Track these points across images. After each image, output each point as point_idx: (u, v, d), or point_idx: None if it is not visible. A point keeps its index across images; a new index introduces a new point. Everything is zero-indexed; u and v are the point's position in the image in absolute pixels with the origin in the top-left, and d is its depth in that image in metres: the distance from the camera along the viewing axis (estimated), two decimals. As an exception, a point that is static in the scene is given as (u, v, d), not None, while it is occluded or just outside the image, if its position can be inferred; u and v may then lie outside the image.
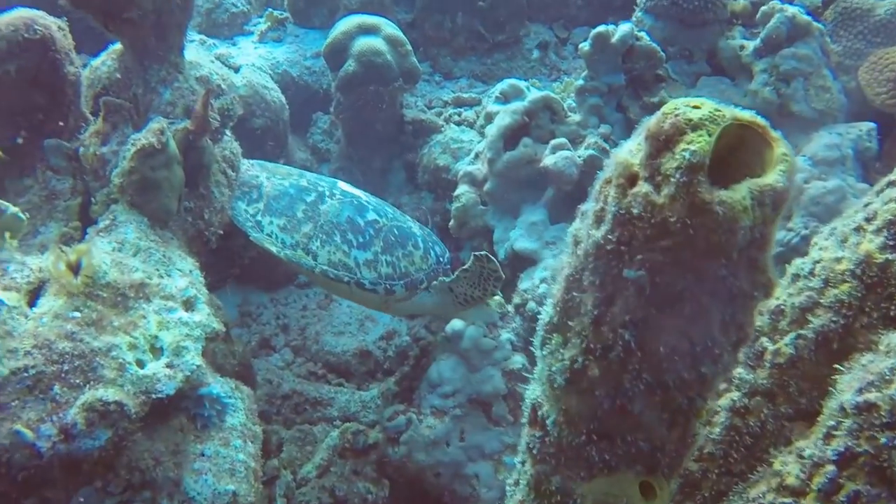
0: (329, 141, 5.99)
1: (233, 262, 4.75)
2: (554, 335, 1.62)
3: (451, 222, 4.68)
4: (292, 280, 5.86)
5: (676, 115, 1.29)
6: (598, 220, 1.43)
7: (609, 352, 1.46)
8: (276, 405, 4.69)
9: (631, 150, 1.40)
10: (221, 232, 3.32)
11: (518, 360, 3.98)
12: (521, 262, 4.30)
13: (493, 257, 3.76)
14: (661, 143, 1.30)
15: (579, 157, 4.24)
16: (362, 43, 5.11)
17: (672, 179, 1.26)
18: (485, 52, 6.56)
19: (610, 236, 1.37)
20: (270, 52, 5.84)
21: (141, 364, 2.26)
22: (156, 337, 2.34)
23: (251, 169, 4.10)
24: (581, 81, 4.57)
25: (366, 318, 5.39)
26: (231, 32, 6.24)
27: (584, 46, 4.47)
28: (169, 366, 2.31)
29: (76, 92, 3.75)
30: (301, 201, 4.05)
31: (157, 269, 2.56)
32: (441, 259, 4.34)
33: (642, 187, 1.32)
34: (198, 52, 4.98)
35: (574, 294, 1.55)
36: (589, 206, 1.52)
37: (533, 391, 1.82)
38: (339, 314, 5.41)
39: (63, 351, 2.07)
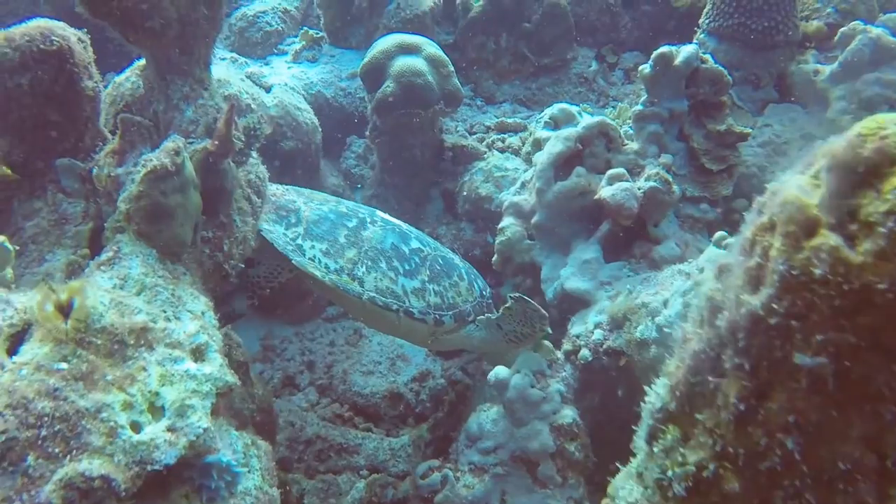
0: (363, 166, 5.66)
1: (253, 293, 4.44)
2: (670, 427, 1.21)
3: (495, 257, 4.28)
4: (320, 312, 5.50)
5: (884, 138, 0.88)
6: (754, 281, 1.02)
7: (758, 461, 1.04)
8: (299, 451, 4.30)
9: (803, 187, 0.99)
10: (243, 265, 2.95)
11: (569, 413, 3.54)
12: (573, 303, 3.88)
13: (527, 298, 3.53)
14: (859, 178, 0.90)
15: (639, 189, 3.83)
16: (402, 63, 4.79)
17: (880, 230, 0.86)
18: (529, 76, 6.22)
19: (775, 306, 0.97)
20: (304, 73, 5.56)
21: (137, 427, 1.89)
22: (157, 394, 1.97)
23: (287, 193, 3.86)
24: (640, 107, 4.17)
25: (397, 357, 5.00)
26: (265, 52, 5.99)
27: (645, 69, 4.08)
28: (171, 429, 1.93)
29: (94, 109, 3.45)
30: (342, 226, 3.84)
31: (164, 311, 2.20)
32: (484, 293, 4.12)
33: (828, 239, 0.91)
34: (227, 70, 4.70)
35: (706, 378, 1.14)
36: (735, 260, 1.11)
37: (629, 492, 1.40)
38: (368, 352, 5.03)
39: (42, 412, 1.70)
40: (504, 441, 3.54)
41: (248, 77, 4.85)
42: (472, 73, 6.11)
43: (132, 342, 2.04)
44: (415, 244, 3.95)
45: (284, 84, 5.08)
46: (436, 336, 3.92)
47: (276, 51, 6.04)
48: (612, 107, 5.89)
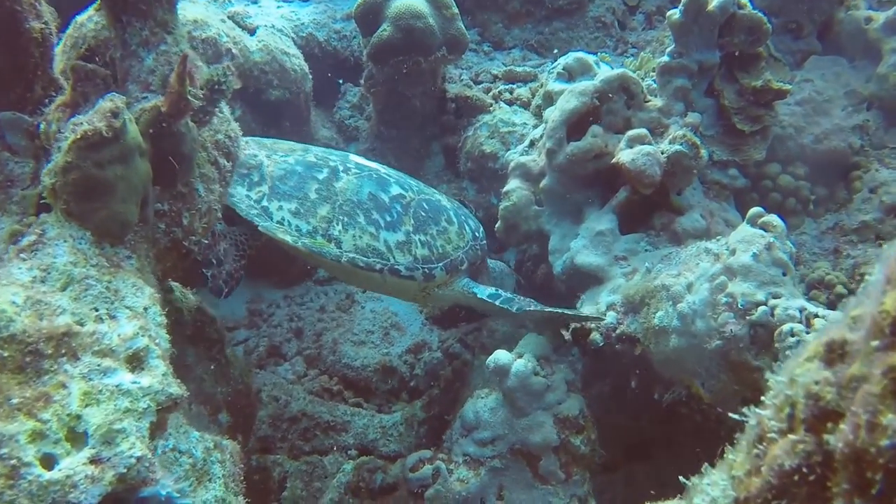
0: (359, 117, 5.21)
1: (243, 254, 4.09)
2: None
3: (498, 224, 3.89)
4: (311, 275, 5.15)
5: None
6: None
7: None
8: (282, 430, 4.00)
9: None
10: (207, 241, 2.57)
11: (575, 404, 3.21)
12: (583, 279, 3.50)
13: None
14: None
15: (662, 152, 3.40)
16: (400, 3, 4.29)
17: None
18: (542, 19, 5.70)
19: None
20: (295, 13, 5.06)
21: (49, 462, 1.54)
22: (78, 417, 1.62)
23: (247, 147, 3.43)
24: (665, 58, 3.70)
25: (391, 326, 4.65)
26: (253, -12, 5.46)
27: (674, 14, 3.59)
28: (95, 461, 1.59)
29: (45, 53, 3.01)
30: (312, 180, 3.47)
31: (96, 309, 1.83)
32: (477, 235, 3.79)
33: None
34: (206, 10, 4.23)
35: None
36: (861, 344, 0.72)
37: None
38: (360, 319, 4.69)
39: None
40: (503, 432, 3.21)
41: (231, 18, 4.38)
42: (478, 15, 5.60)
43: (50, 352, 1.67)
44: (395, 190, 3.59)
45: (271, 26, 4.59)
46: (427, 292, 3.62)
47: (265, -13, 5.51)
48: (633, 56, 5.39)
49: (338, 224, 3.38)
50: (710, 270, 2.80)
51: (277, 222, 3.34)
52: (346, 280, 3.95)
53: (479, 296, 3.63)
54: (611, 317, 3.19)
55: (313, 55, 4.98)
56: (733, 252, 2.77)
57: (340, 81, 5.37)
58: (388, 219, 3.48)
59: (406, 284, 3.52)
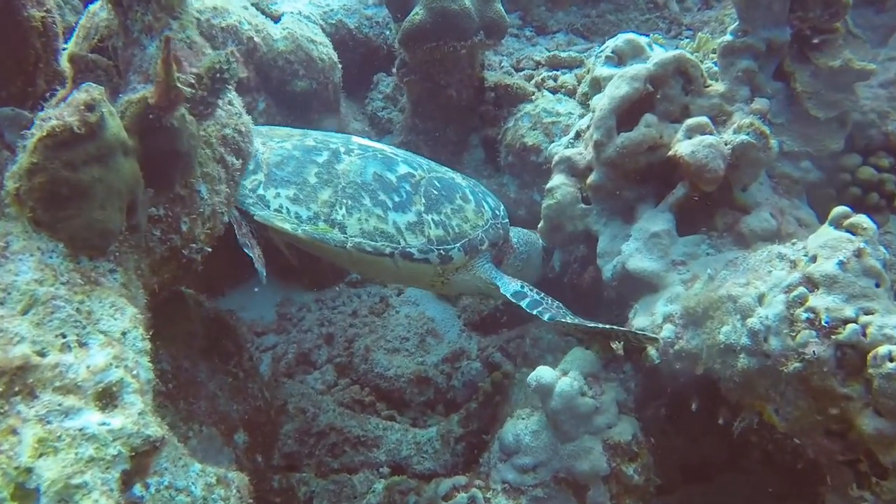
0: (392, 109, 4.91)
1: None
2: None
3: (541, 223, 3.54)
4: (343, 277, 4.88)
5: None
6: None
7: None
8: (309, 445, 3.74)
9: None
10: (210, 249, 2.30)
11: (627, 428, 2.85)
12: (636, 286, 3.13)
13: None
14: None
15: (726, 143, 3.01)
16: (434, -16, 3.97)
17: None
18: (589, 1, 5.32)
19: None
20: (324, -2, 4.77)
21: (-14, 531, 1.28)
22: (29, 470, 1.35)
23: None
24: (729, 37, 3.30)
25: (427, 332, 4.35)
26: (282, -26, 5.20)
27: (740, -13, 3.18)
28: (45, 527, 1.32)
29: (48, 44, 2.79)
30: (311, 164, 3.22)
31: (63, 336, 1.56)
32: (497, 213, 3.49)
33: None
34: (227, -4, 3.98)
35: None
36: None
37: None
38: (394, 325, 4.39)
39: None
40: (546, 458, 2.88)
41: (255, 4, 4.12)
42: (520, -3, 5.24)
43: (1, 389, 1.41)
44: (403, 168, 3.32)
45: (298, 13, 4.32)
46: (446, 277, 3.34)
47: (295, -27, 5.25)
48: (688, 37, 4.97)
49: (341, 208, 3.13)
50: (786, 280, 2.41)
51: (275, 210, 3.10)
52: (356, 270, 3.68)
53: (502, 291, 3.33)
54: (668, 330, 2.82)
55: (343, 43, 4.70)
56: (814, 259, 2.37)
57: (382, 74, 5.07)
58: (397, 199, 3.21)
59: (421, 269, 3.25)
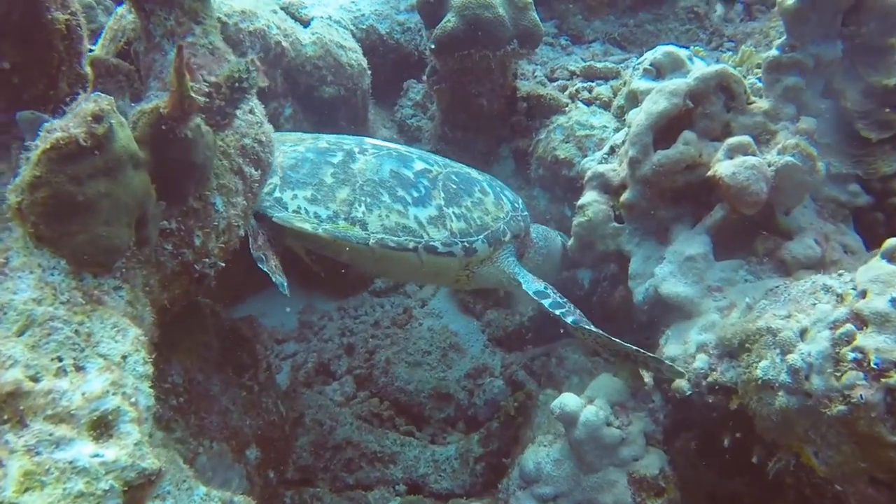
0: (422, 116, 4.81)
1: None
2: None
3: (571, 241, 3.41)
4: (367, 285, 4.80)
5: None
6: None
7: None
8: (325, 459, 3.65)
9: None
10: (224, 264, 2.22)
11: (654, 461, 2.72)
12: (669, 311, 2.99)
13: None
14: None
15: (770, 165, 2.85)
16: (467, -10, 3.86)
17: None
18: (627, 10, 5.17)
19: None
20: (355, 3, 4.69)
21: (-35, 571, 1.20)
22: (12, 507, 1.27)
23: None
24: (775, 51, 3.14)
25: (449, 346, 4.24)
26: (316, -23, 5.13)
27: (789, 0, 3.02)
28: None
29: (72, 47, 2.75)
30: (326, 164, 3.17)
31: (59, 360, 1.49)
32: (516, 205, 3.45)
33: None
34: (256, 1, 3.92)
35: None
36: None
37: None
38: (416, 338, 4.29)
39: None
40: (567, 489, 2.76)
41: (285, 8, 4.06)
42: (556, 5, 5.12)
43: (-11, 417, 1.34)
44: (419, 165, 3.28)
45: (328, 17, 4.25)
46: (470, 270, 3.29)
47: (329, -24, 5.18)
48: (730, 49, 4.79)
49: (360, 205, 3.08)
50: (832, 315, 2.25)
51: (293, 211, 3.03)
52: (378, 269, 3.62)
53: (524, 287, 3.26)
54: (701, 361, 2.68)
55: (374, 49, 4.62)
56: (863, 294, 2.21)
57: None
58: (416, 194, 3.16)
59: (445, 263, 3.19)
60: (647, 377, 2.89)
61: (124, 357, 1.59)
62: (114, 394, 1.49)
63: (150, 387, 1.62)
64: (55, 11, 2.63)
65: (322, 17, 4.16)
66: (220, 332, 2.94)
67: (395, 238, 3.06)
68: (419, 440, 3.85)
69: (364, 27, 4.62)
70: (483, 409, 3.94)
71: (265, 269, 2.91)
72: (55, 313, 1.54)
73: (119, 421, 1.47)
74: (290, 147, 3.22)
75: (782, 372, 2.31)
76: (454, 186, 3.27)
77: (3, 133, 2.53)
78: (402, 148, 3.44)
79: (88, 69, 2.56)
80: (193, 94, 1.86)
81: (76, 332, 1.54)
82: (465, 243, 3.17)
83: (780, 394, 2.32)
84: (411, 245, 3.08)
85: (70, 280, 1.63)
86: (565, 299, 3.22)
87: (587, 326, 3.03)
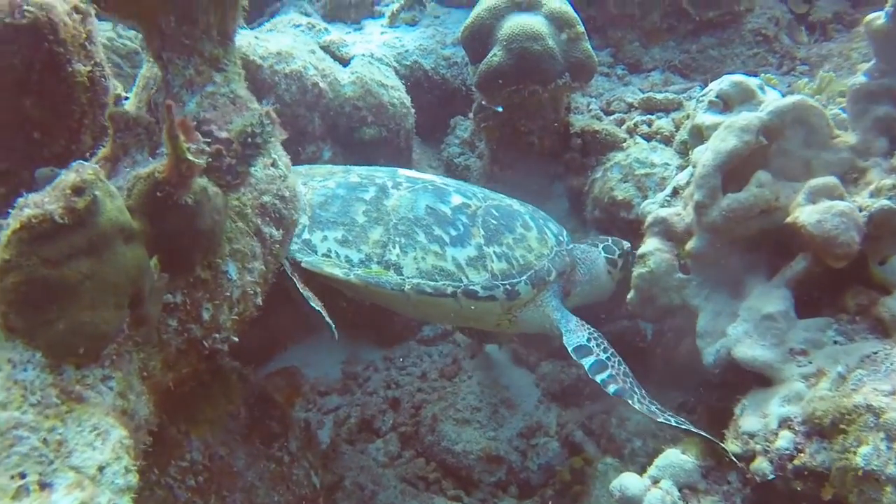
0: (469, 155, 4.57)
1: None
2: None
3: (631, 294, 3.08)
4: (415, 333, 4.55)
5: None
6: None
7: None
8: (366, 528, 3.39)
9: None
10: (237, 339, 2.00)
11: (733, 554, 2.35)
12: (745, 377, 2.63)
13: None
14: None
15: (862, 209, 2.48)
16: (514, 23, 3.62)
17: None
18: (688, 35, 4.85)
19: None
20: (399, 39, 4.52)
21: None
22: None
23: None
24: (862, 78, 2.78)
25: (500, 402, 3.94)
26: (359, 15, 4.98)
27: (877, 19, 2.67)
28: None
29: (94, 99, 2.63)
30: (358, 202, 2.97)
31: (22, 476, 1.27)
32: (561, 239, 3.21)
33: None
34: (294, 40, 3.76)
35: None
36: None
37: None
38: (465, 392, 4.00)
39: None
40: (631, 584, 2.41)
41: (325, 47, 3.90)
42: (610, 32, 4.83)
43: (-74, 558, 1.12)
44: (456, 199, 3.05)
45: (370, 55, 4.07)
46: (513, 314, 3.05)
47: (373, 13, 5.03)
48: (803, 74, 4.41)
49: (394, 247, 2.88)
50: (950, 396, 1.87)
51: (323, 255, 2.84)
52: (415, 314, 3.38)
53: (565, 341, 2.98)
54: (786, 439, 2.31)
55: (419, 85, 4.42)
56: None
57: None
58: (454, 233, 2.94)
59: (486, 307, 2.96)
60: (728, 453, 2.52)
61: (101, 468, 1.36)
62: (81, 520, 1.26)
63: (133, 499, 1.39)
64: (77, 64, 2.51)
65: (363, 55, 3.98)
66: (248, 400, 2.73)
67: (433, 283, 2.85)
68: (467, 507, 3.55)
69: (408, 63, 4.43)
70: (537, 474, 3.61)
71: (317, 308, 2.73)
72: (21, 419, 1.33)
73: (83, 555, 1.24)
74: (319, 182, 3.03)
75: (890, 463, 1.94)
76: (494, 222, 3.03)
77: (29, 188, 2.41)
78: (439, 179, 3.22)
79: (108, 122, 2.42)
80: (192, 157, 1.65)
81: (45, 441, 1.33)
82: (507, 286, 2.94)
83: (888, 489, 1.94)
84: (449, 290, 2.87)
85: (46, 376, 1.42)
86: (612, 357, 2.92)
87: (630, 401, 2.73)
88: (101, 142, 2.45)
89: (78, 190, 1.45)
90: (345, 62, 3.93)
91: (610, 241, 3.45)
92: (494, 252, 2.96)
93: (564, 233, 3.34)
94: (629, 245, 3.45)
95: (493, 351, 4.24)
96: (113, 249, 1.53)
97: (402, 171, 3.24)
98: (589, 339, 2.97)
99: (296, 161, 3.18)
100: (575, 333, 3.00)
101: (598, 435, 3.65)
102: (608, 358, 2.91)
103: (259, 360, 4.16)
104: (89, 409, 1.44)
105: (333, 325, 2.72)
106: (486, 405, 3.93)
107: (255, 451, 2.67)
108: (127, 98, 2.80)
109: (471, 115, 4.20)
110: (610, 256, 3.39)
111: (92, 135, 2.58)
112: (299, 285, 2.72)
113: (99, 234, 1.49)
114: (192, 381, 2.00)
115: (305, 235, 2.85)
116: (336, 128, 3.77)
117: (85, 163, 1.52)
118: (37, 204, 1.40)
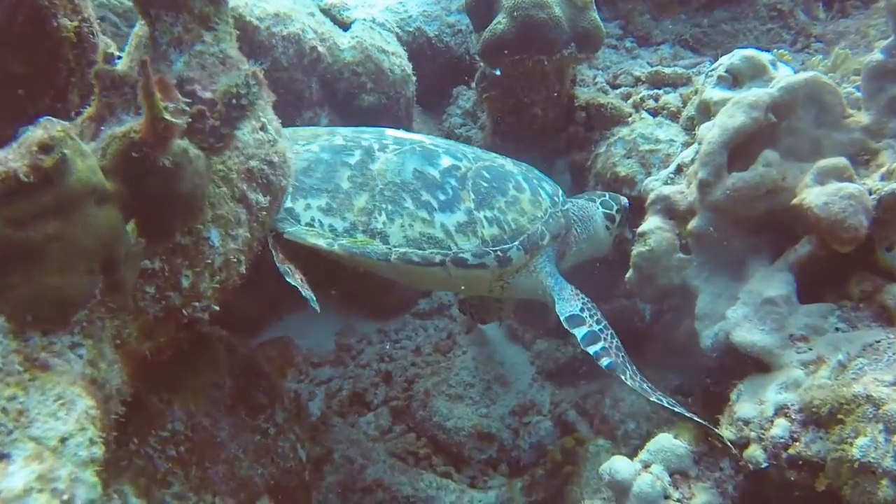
0: (471, 126, 4.47)
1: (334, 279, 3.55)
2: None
3: (630, 273, 3.00)
4: (410, 306, 4.50)
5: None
6: None
7: None
8: (353, 502, 3.36)
9: None
10: (218, 307, 1.94)
11: (722, 541, 2.30)
12: (742, 362, 2.56)
13: None
14: None
15: (871, 192, 2.40)
16: (520, -11, 3.50)
17: None
18: (700, 8, 4.71)
19: None
20: (403, 4, 4.38)
21: None
22: None
23: None
24: (879, 55, 2.66)
25: (494, 379, 3.90)
26: (366, -22, 4.84)
27: (897, -6, 2.55)
28: None
29: (82, 56, 2.55)
30: (343, 166, 2.84)
31: (-25, 447, 1.22)
32: (556, 199, 3.08)
33: None
34: (294, 2, 3.65)
35: None
36: None
37: None
38: (459, 368, 3.96)
39: None
40: (618, 567, 2.37)
41: (325, 10, 3.78)
42: (621, 4, 4.69)
43: None
44: (446, 161, 2.93)
45: (371, 19, 3.95)
46: (505, 280, 2.97)
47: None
48: (818, 52, 4.28)
49: (380, 214, 2.77)
50: (955, 389, 1.80)
51: (306, 225, 2.73)
52: (404, 281, 3.28)
53: (558, 310, 2.90)
54: (781, 427, 2.25)
55: (422, 52, 4.30)
56: None
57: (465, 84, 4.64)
58: (443, 197, 2.83)
59: (476, 275, 2.86)
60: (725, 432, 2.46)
61: (63, 440, 1.30)
62: (39, 491, 1.21)
63: (98, 472, 1.34)
64: (62, 18, 2.42)
65: (364, 20, 3.87)
66: (235, 370, 2.67)
67: (420, 252, 2.76)
68: (457, 483, 3.51)
69: (411, 29, 4.31)
70: (528, 453, 3.58)
71: (293, 283, 2.64)
72: (-21, 387, 1.27)
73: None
74: (303, 146, 2.91)
75: (888, 456, 1.88)
76: (485, 185, 2.92)
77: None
78: (428, 140, 3.08)
79: (94, 80, 2.34)
80: (169, 117, 1.57)
81: (3, 409, 1.27)
82: (499, 252, 2.84)
83: (884, 482, 1.88)
84: (438, 259, 2.77)
85: (9, 342, 1.36)
86: (605, 329, 2.85)
87: (623, 376, 2.66)
88: (88, 100, 2.37)
89: (45, 147, 1.37)
90: (345, 26, 3.81)
91: (608, 195, 3.37)
92: (485, 217, 2.86)
93: (560, 192, 3.22)
94: (627, 200, 3.38)
95: (488, 328, 4.18)
96: (83, 211, 1.46)
97: (390, 132, 3.11)
98: (582, 310, 2.90)
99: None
100: (568, 302, 2.92)
101: (591, 415, 3.60)
102: (601, 330, 2.84)
103: (254, 330, 4.11)
104: (54, 378, 1.38)
105: (314, 299, 2.63)
106: (479, 381, 3.89)
107: (240, 422, 2.62)
108: (119, 57, 2.71)
109: (473, 84, 4.09)
110: (608, 212, 3.32)
111: (80, 93, 2.49)
112: (277, 259, 2.62)
113: (68, 195, 1.42)
114: (171, 350, 1.93)
115: (288, 203, 2.74)
116: (334, 94, 3.67)
117: (54, 119, 1.44)
118: (5, 162, 1.33)
